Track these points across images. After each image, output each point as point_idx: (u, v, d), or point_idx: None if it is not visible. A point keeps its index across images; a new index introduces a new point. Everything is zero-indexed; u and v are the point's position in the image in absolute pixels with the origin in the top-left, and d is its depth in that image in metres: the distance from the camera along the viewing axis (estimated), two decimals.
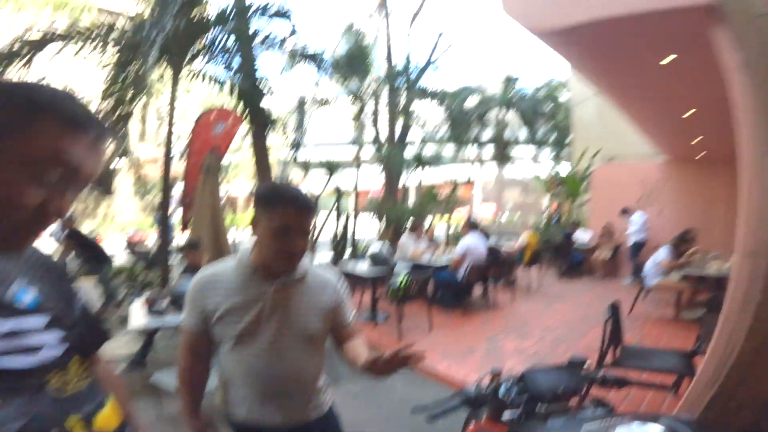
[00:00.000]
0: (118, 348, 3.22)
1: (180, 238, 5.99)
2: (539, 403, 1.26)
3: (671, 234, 5.55)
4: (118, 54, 4.91)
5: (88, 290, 6.29)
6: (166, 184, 5.15)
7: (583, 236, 8.43)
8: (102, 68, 5.11)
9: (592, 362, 2.64)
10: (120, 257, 8.13)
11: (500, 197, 14.71)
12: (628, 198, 7.74)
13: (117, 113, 5.19)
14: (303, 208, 1.19)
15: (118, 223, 17.27)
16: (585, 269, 8.07)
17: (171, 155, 5.04)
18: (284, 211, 1.16)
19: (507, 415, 1.29)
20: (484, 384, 1.41)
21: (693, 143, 6.07)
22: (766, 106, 1.18)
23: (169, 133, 5.00)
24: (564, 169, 12.63)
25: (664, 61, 3.09)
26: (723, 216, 6.70)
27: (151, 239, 8.95)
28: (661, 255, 5.10)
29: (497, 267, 6.16)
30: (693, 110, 4.42)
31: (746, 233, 1.54)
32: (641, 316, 5.18)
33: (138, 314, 3.09)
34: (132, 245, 8.77)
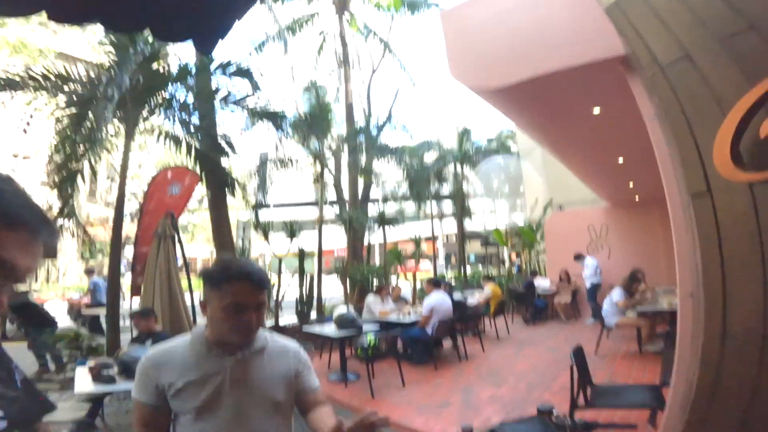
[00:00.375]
0: (64, 412, 2.90)
1: (127, 303, 5.61)
2: None
3: (622, 274, 5.91)
4: (72, 106, 4.78)
5: (22, 355, 5.66)
6: (116, 247, 4.90)
7: (543, 283, 8.79)
8: (55, 120, 4.96)
9: (565, 406, 2.64)
10: (62, 321, 7.44)
11: (462, 251, 15.01)
12: (579, 243, 8.27)
13: (66, 169, 5.00)
14: (255, 283, 1.18)
15: (61, 286, 15.89)
16: (549, 314, 8.30)
17: (122, 216, 4.82)
18: (236, 288, 1.15)
19: None
20: None
21: (627, 188, 6.63)
22: (684, 156, 1.32)
23: (121, 191, 4.82)
24: (519, 219, 13.26)
25: (594, 112, 3.48)
26: (663, 253, 7.28)
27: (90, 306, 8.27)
28: (615, 296, 5.39)
29: (465, 320, 6.20)
30: (622, 158, 4.92)
31: (682, 276, 1.65)
32: (608, 354, 5.32)
33: (83, 380, 2.88)
34: (76, 309, 8.03)
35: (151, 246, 4.29)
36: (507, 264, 16.89)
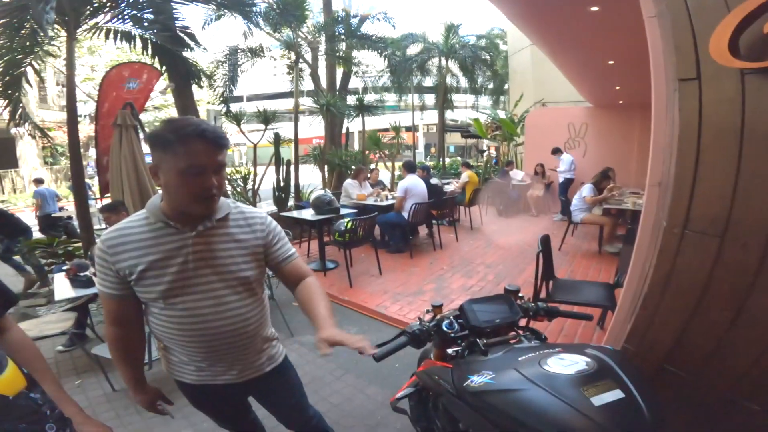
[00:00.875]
0: (54, 324, 3.01)
1: (100, 203, 5.54)
2: (479, 336, 1.32)
3: (594, 172, 6.04)
4: (6, 18, 4.36)
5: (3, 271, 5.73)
6: (75, 147, 4.64)
7: (516, 175, 8.98)
8: None
9: (529, 296, 2.90)
10: (35, 230, 7.47)
11: (442, 142, 14.97)
12: (557, 139, 8.32)
13: (8, 75, 4.76)
14: (212, 141, 1.03)
15: (27, 195, 15.49)
16: (521, 207, 8.64)
17: (76, 117, 4.56)
18: (191, 148, 1.00)
19: (450, 351, 1.36)
20: (426, 319, 1.47)
21: (613, 91, 6.48)
22: (678, 44, 1.22)
23: (70, 91, 4.48)
24: (501, 115, 13.06)
25: (591, 9, 3.18)
26: (637, 157, 7.51)
27: (68, 209, 8.18)
28: (585, 191, 5.58)
29: (440, 206, 6.34)
30: (612, 60, 4.69)
31: (654, 165, 1.62)
32: (570, 251, 5.69)
33: (62, 286, 2.86)
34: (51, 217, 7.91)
35: (112, 139, 4.03)
36: (485, 155, 17.09)
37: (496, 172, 10.43)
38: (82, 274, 2.83)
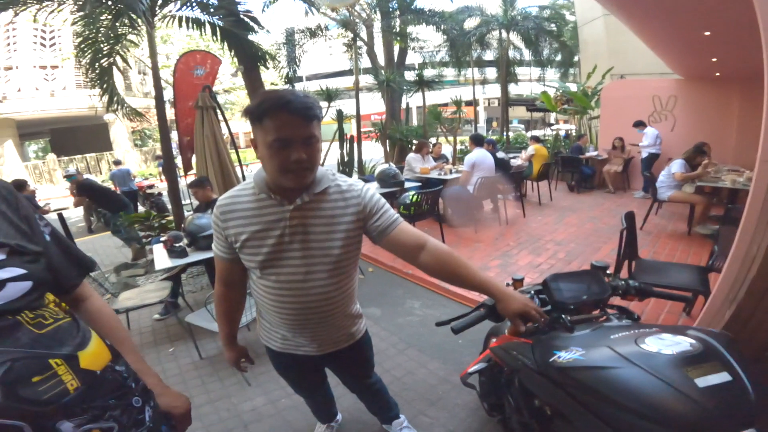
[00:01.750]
0: (153, 293, 3.34)
1: (186, 180, 6.02)
2: (563, 313, 1.24)
3: (684, 148, 5.34)
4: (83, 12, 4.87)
5: (108, 243, 6.50)
6: (164, 129, 5.11)
7: (591, 151, 8.32)
8: (71, 24, 5.17)
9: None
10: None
11: (506, 116, 14.25)
12: (639, 113, 7.53)
13: (99, 65, 5.30)
14: (297, 113, 1.01)
15: None
16: (595, 183, 8.00)
17: (163, 101, 4.98)
18: (276, 121, 1.01)
19: (531, 327, 1.25)
20: None
21: (708, 63, 5.71)
22: None
23: (156, 78, 4.89)
24: (571, 88, 12.11)
25: None
26: (736, 132, 6.59)
27: (158, 186, 9.03)
28: (675, 167, 4.94)
29: (507, 180, 6.05)
30: (709, 32, 4.07)
31: (765, 141, 1.45)
32: (654, 231, 5.14)
33: (161, 256, 3.13)
34: (141, 192, 8.77)
35: (195, 119, 4.37)
36: (554, 129, 16.05)
37: (567, 146, 9.74)
38: (177, 245, 3.07)
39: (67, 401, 0.68)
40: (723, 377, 0.83)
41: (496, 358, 1.47)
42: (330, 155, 8.03)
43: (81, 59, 5.42)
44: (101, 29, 5.04)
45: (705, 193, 5.01)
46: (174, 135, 8.07)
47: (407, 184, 5.30)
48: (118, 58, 5.44)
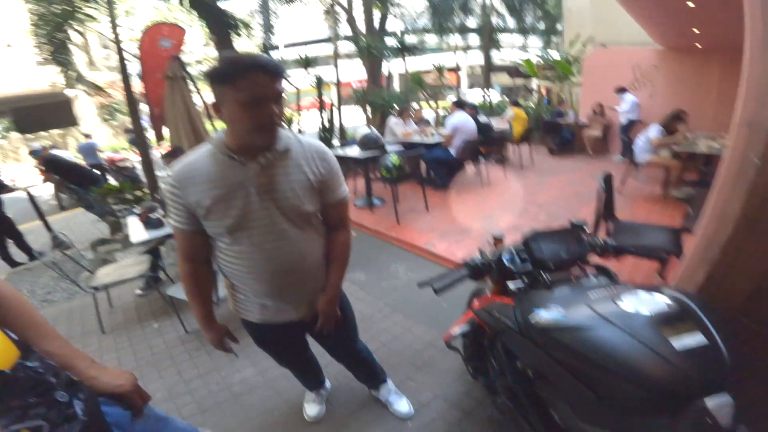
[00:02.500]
0: (131, 267, 3.25)
1: (158, 152, 5.87)
2: (543, 271, 1.26)
3: (662, 114, 5.44)
4: None
5: (82, 220, 6.28)
6: (132, 101, 4.96)
7: (571, 117, 8.48)
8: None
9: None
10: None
11: (488, 82, 14.10)
12: (620, 81, 7.69)
13: (54, 41, 5.16)
14: (271, 72, 1.04)
15: None
16: (575, 147, 8.16)
17: (128, 73, 4.83)
18: (252, 80, 1.01)
19: (512, 285, 1.29)
20: (488, 252, 1.41)
21: (690, 33, 5.74)
22: None
23: (119, 52, 4.71)
24: (553, 55, 12.06)
25: None
26: (715, 102, 6.77)
27: (131, 159, 8.78)
28: (652, 132, 5.08)
29: (489, 144, 6.14)
30: (692, 3, 4.03)
31: (744, 104, 1.45)
32: (631, 193, 5.29)
33: (137, 229, 3.04)
34: (113, 166, 8.50)
35: (165, 90, 4.29)
36: (536, 95, 16.06)
37: (548, 113, 9.81)
38: (152, 215, 2.99)
39: None
40: (698, 339, 0.85)
41: (478, 319, 1.49)
42: (311, 122, 7.89)
43: (36, 36, 5.22)
44: (54, 5, 4.85)
45: (681, 158, 5.13)
46: (145, 107, 7.79)
47: (389, 148, 5.26)
48: (75, 34, 5.30)
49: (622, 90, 7.36)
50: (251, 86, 1.01)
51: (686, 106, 6.14)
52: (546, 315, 1.03)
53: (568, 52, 10.84)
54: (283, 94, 1.10)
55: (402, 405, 2.03)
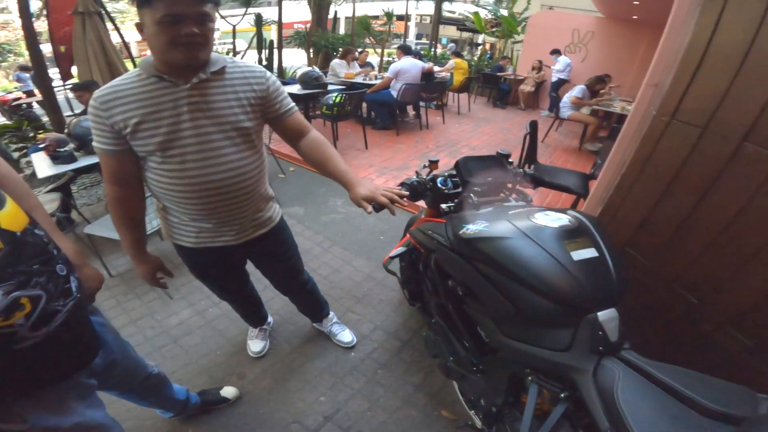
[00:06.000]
0: None
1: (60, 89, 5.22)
2: (472, 195, 1.37)
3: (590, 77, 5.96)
4: None
5: None
6: (32, 38, 4.32)
7: (510, 72, 8.96)
8: None
9: None
10: None
11: (436, 34, 13.85)
12: (559, 43, 8.17)
13: None
14: None
15: None
16: (510, 100, 8.69)
17: (29, 10, 4.20)
18: (172, 2, 0.98)
19: (444, 207, 1.41)
20: (423, 175, 1.50)
21: (630, 6, 6.11)
22: None
23: None
24: (503, 12, 12.07)
25: None
26: (636, 72, 7.41)
27: (23, 97, 7.78)
28: (575, 92, 5.63)
29: (430, 90, 6.27)
30: None
31: (655, 68, 1.64)
32: (552, 144, 5.87)
33: (43, 164, 2.70)
34: (7, 106, 7.51)
35: (74, 26, 3.92)
36: (480, 50, 16.20)
37: (489, 67, 10.05)
38: (62, 149, 2.66)
39: None
40: (591, 252, 0.97)
41: (414, 241, 1.58)
42: (248, 61, 7.38)
43: None
44: None
45: (598, 116, 5.70)
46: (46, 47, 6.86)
47: (330, 88, 5.14)
48: None
49: (556, 51, 7.87)
50: (166, 4, 0.98)
51: (612, 71, 6.93)
52: (473, 227, 1.12)
53: (515, 10, 10.99)
54: (210, 15, 1.06)
55: (345, 335, 2.12)
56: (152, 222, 2.46)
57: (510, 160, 1.58)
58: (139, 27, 1.06)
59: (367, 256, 2.86)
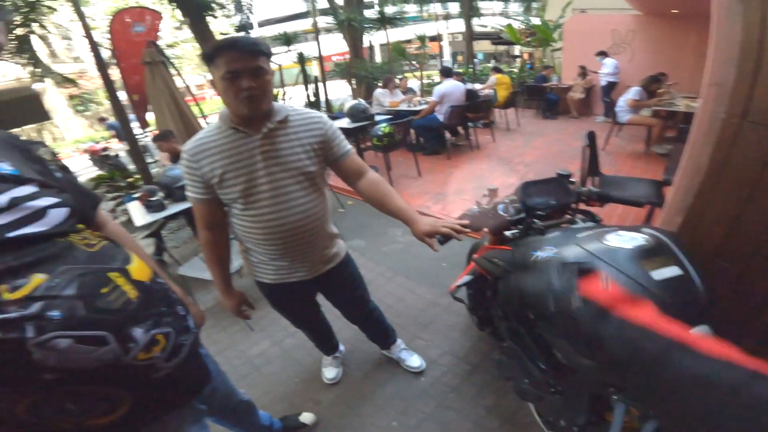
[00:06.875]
0: None
1: (142, 137, 5.79)
2: (535, 219, 1.36)
3: (641, 77, 5.58)
4: None
5: None
6: (110, 87, 4.84)
7: (555, 81, 8.67)
8: None
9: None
10: (90, 170, 7.94)
11: (470, 50, 13.91)
12: (599, 46, 7.82)
13: (14, 37, 5.05)
14: (243, 48, 1.15)
15: (70, 142, 16.39)
16: (560, 110, 8.30)
17: (103, 61, 4.72)
18: (226, 57, 1.14)
19: (508, 234, 1.40)
20: (484, 204, 1.52)
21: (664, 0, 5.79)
22: None
23: (91, 40, 4.57)
24: (534, 21, 11.94)
25: None
26: (692, 66, 6.93)
27: (113, 148, 8.65)
28: (631, 94, 5.26)
29: (475, 109, 6.25)
30: None
31: (713, 66, 1.51)
32: (614, 151, 5.44)
33: (139, 213, 3.04)
34: (96, 156, 8.29)
35: (145, 75, 4.26)
36: (519, 61, 15.97)
37: (531, 77, 9.86)
38: (153, 198, 2.99)
39: (133, 308, 0.75)
40: (674, 271, 0.91)
41: (480, 269, 1.59)
42: (296, 98, 7.82)
43: None
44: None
45: (661, 117, 5.28)
46: (123, 95, 7.64)
47: (378, 118, 5.32)
48: (36, 26, 5.17)
49: (602, 54, 7.51)
50: (226, 62, 1.13)
51: (665, 69, 6.42)
52: (542, 254, 1.11)
53: (547, 18, 10.79)
54: (265, 68, 1.19)
55: (413, 360, 2.15)
56: (233, 262, 2.69)
57: (572, 180, 1.57)
58: (213, 84, 1.23)
59: (430, 284, 2.88)
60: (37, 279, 0.65)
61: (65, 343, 0.64)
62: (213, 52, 1.16)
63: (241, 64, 1.14)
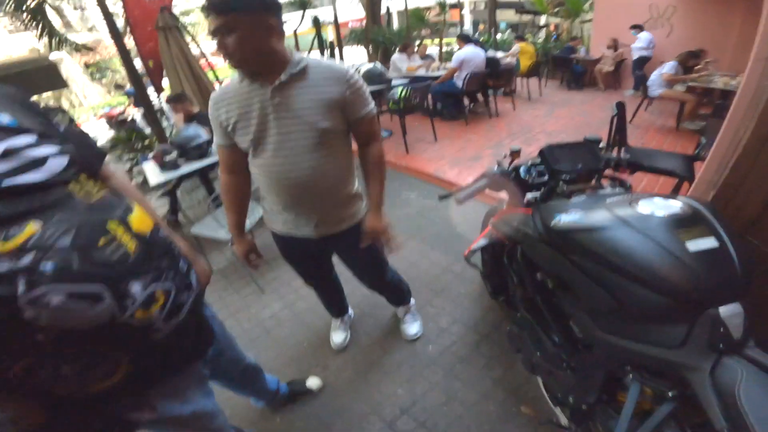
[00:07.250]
0: None
1: (158, 101, 5.77)
2: (560, 182, 1.27)
3: (677, 54, 5.30)
4: None
5: None
6: (125, 54, 4.78)
7: (583, 52, 8.17)
8: None
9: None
10: (107, 134, 8.00)
11: (492, 18, 13.26)
12: (633, 19, 7.33)
13: (25, 9, 5.01)
14: (212, 5, 1.11)
15: (88, 108, 16.62)
16: (586, 81, 7.94)
17: (117, 29, 4.66)
18: (209, 17, 1.12)
19: (529, 196, 1.31)
20: (505, 164, 1.44)
21: None
22: None
23: (104, 8, 4.48)
24: None
25: None
26: (735, 44, 6.45)
27: (129, 112, 8.70)
28: (667, 68, 5.04)
29: (496, 77, 6.04)
30: None
31: (762, 40, 1.41)
32: (643, 125, 5.18)
33: (153, 173, 3.05)
34: (113, 120, 8.44)
35: (159, 41, 4.28)
36: (544, 31, 15.23)
37: (558, 49, 9.39)
38: (167, 158, 3.01)
39: (132, 262, 0.72)
40: (711, 242, 0.85)
41: (497, 233, 1.53)
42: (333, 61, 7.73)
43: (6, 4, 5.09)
44: None
45: (696, 93, 5.04)
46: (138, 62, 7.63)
47: (394, 83, 5.20)
48: None
49: (637, 27, 7.11)
50: (210, 22, 1.12)
51: (705, 46, 5.97)
52: (566, 218, 1.04)
53: None
54: (233, 26, 1.10)
55: (411, 327, 2.14)
56: (249, 217, 2.60)
57: (600, 145, 1.47)
58: None
59: (444, 249, 2.83)
60: (31, 227, 0.63)
61: (58, 299, 0.62)
62: (204, 12, 1.14)
63: (215, 23, 1.12)
